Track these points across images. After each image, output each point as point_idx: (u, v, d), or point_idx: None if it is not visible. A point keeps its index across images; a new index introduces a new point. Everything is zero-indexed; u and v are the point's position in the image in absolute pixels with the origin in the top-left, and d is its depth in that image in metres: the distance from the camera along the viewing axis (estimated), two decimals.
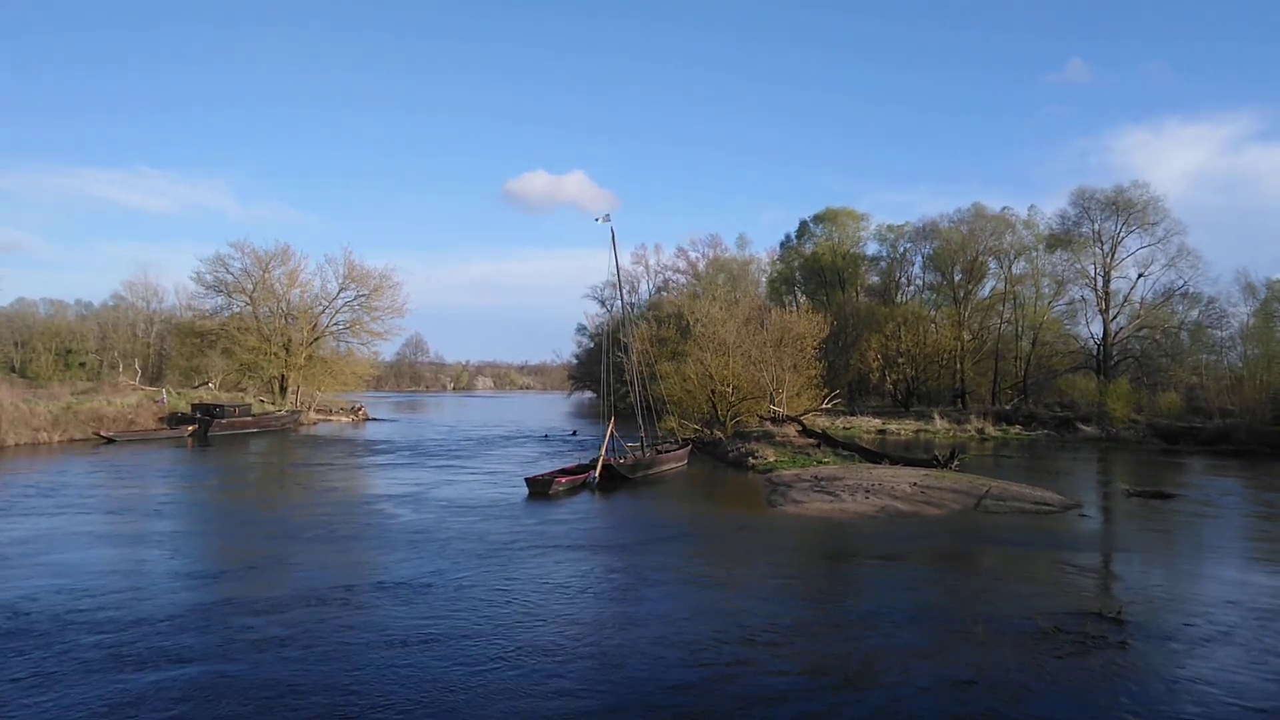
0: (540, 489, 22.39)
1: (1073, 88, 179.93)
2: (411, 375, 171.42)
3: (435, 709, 7.68)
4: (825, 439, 33.92)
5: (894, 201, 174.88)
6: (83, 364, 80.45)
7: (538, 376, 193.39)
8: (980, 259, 63.02)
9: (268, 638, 9.58)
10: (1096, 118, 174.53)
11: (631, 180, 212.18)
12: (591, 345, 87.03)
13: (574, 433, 48.08)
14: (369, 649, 9.31)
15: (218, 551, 15.19)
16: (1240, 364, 51.19)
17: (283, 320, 59.42)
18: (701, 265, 77.44)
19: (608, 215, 29.68)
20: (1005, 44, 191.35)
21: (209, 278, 58.78)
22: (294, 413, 52.28)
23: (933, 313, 66.71)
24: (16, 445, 34.16)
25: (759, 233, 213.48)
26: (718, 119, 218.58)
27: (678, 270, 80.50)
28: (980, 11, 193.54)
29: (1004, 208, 65.21)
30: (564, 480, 23.26)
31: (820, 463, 28.51)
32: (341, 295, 61.00)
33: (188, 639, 9.52)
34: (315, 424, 54.33)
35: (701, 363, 39.48)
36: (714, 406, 39.26)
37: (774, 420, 37.54)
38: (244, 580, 12.58)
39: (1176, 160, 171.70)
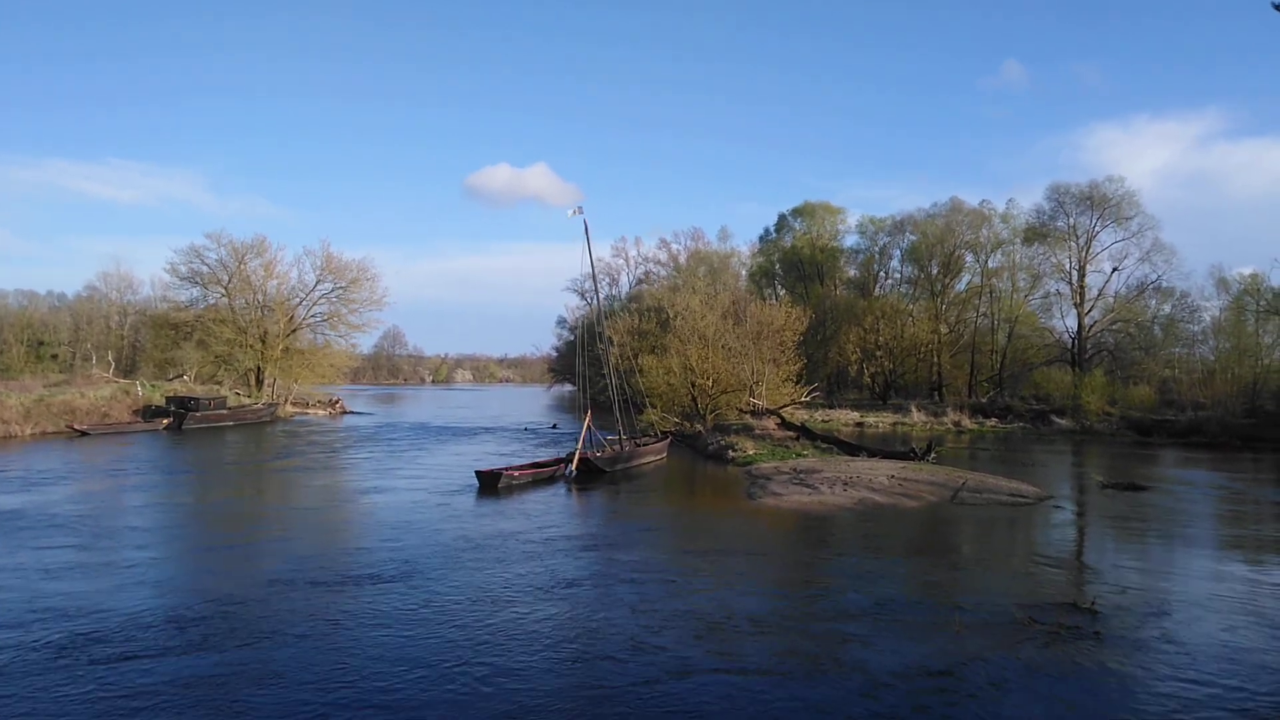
0: (490, 482, 21.84)
1: (1047, 86, 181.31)
2: (390, 368, 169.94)
3: None
4: (804, 432, 34.09)
5: (870, 197, 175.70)
6: (55, 356, 79.05)
7: (517, 369, 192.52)
8: (957, 253, 63.54)
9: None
10: (1070, 115, 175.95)
11: (596, 174, 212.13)
12: (571, 338, 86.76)
13: (554, 426, 47.99)
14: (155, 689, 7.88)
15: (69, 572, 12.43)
16: (1212, 357, 52.01)
17: (259, 312, 58.71)
18: (683, 258, 77.36)
19: (580, 208, 29.10)
20: (990, 41, 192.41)
21: (184, 269, 58.15)
22: (270, 405, 51.67)
23: (910, 306, 67.15)
24: None
25: (733, 227, 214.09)
26: (682, 112, 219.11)
27: (659, 262, 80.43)
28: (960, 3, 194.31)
29: (982, 201, 65.86)
30: (517, 474, 22.83)
31: (799, 455, 28.64)
32: (319, 287, 60.43)
33: None
34: (292, 417, 53.82)
35: (682, 355, 39.49)
36: (694, 399, 39.30)
37: (753, 413, 37.65)
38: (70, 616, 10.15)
39: (1146, 158, 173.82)
